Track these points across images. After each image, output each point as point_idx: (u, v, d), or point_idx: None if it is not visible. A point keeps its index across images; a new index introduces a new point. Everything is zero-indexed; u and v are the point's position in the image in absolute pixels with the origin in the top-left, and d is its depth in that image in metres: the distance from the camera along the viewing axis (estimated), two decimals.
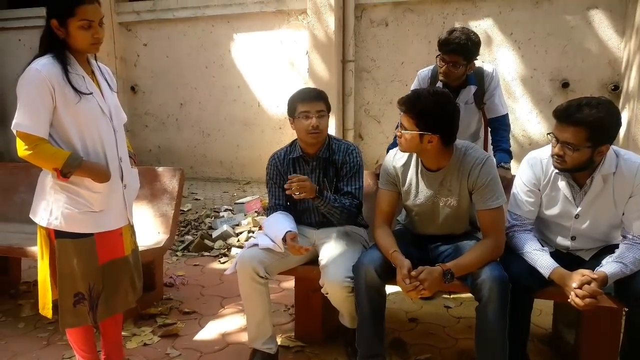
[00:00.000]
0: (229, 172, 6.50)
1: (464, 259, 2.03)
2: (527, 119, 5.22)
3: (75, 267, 2.01)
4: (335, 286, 2.19)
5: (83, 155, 1.98)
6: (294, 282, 2.72)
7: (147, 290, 2.85)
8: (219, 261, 3.91)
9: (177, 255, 4.04)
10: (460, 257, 2.04)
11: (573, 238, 2.16)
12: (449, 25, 5.22)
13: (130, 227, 2.21)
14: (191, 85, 6.46)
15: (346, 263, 2.22)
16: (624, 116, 4.65)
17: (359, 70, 5.70)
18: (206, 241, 4.18)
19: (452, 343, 2.63)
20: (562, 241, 2.19)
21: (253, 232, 4.29)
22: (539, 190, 2.16)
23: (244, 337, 2.69)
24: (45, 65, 1.90)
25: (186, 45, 6.39)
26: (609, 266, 1.95)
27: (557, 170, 2.08)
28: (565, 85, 5.07)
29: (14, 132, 1.91)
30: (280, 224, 2.37)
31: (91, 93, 2.00)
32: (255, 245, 2.37)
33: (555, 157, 2.01)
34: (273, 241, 2.33)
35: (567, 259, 2.12)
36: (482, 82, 2.80)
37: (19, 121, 1.90)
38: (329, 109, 2.44)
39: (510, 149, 2.84)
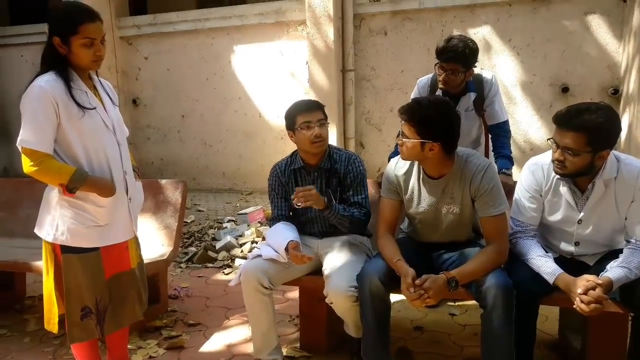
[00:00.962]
0: (232, 182, 6.51)
1: (467, 266, 2.03)
2: (528, 125, 5.23)
3: (82, 281, 2.02)
4: (339, 296, 2.19)
5: (88, 169, 1.99)
6: (298, 292, 2.72)
7: (152, 302, 2.85)
8: (223, 272, 3.91)
9: (181, 267, 4.04)
10: (464, 265, 2.04)
11: (577, 243, 2.16)
12: (447, 33, 5.24)
13: (136, 239, 2.22)
14: (192, 97, 6.50)
15: (350, 272, 2.22)
16: (625, 120, 4.66)
17: (359, 79, 5.73)
18: (210, 252, 4.18)
19: (458, 351, 2.62)
20: (566, 247, 2.19)
21: (256, 242, 4.29)
22: (541, 196, 2.16)
23: (249, 348, 2.68)
24: (48, 81, 1.92)
25: (187, 58, 6.43)
26: (613, 271, 1.95)
27: (558, 176, 2.09)
28: (565, 90, 5.08)
29: (19, 148, 1.93)
30: (283, 234, 2.37)
31: (94, 108, 2.01)
32: (259, 256, 2.37)
33: (556, 162, 2.02)
34: (276, 251, 2.33)
35: (571, 265, 2.12)
36: (481, 89, 2.81)
37: (24, 138, 1.91)
38: (326, 118, 2.45)
39: (512, 155, 2.85)
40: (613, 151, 2.03)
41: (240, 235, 4.46)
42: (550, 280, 2.02)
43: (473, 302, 2.64)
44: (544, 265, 2.05)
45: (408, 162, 2.23)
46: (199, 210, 5.48)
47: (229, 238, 4.32)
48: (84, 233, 2.01)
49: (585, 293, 1.88)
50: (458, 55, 2.61)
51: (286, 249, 2.28)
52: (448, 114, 2.06)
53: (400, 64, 5.57)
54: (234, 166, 6.46)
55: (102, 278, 2.06)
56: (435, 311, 3.05)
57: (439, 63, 2.69)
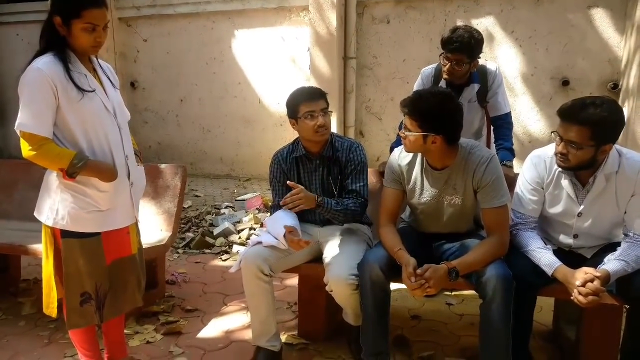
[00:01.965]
0: (229, 168, 6.49)
1: (468, 257, 2.04)
2: (528, 117, 5.23)
3: (82, 266, 2.01)
4: (339, 284, 2.20)
5: (89, 154, 1.97)
6: (296, 280, 2.72)
7: (149, 287, 2.84)
8: (221, 258, 3.92)
9: (178, 253, 4.04)
10: (465, 255, 2.05)
11: (575, 236, 2.18)
12: (450, 23, 5.22)
13: (136, 225, 2.21)
14: (191, 82, 6.44)
15: (350, 261, 2.23)
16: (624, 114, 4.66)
17: (360, 67, 5.70)
18: (207, 238, 4.18)
19: (455, 340, 2.64)
20: (565, 239, 2.21)
21: (254, 229, 4.29)
22: (543, 188, 2.17)
23: (247, 335, 2.70)
24: (46, 63, 1.89)
25: (186, 41, 6.36)
26: (611, 264, 1.96)
27: (560, 169, 2.09)
28: (565, 83, 5.07)
29: (18, 132, 1.90)
30: (283, 221, 2.36)
31: (94, 90, 1.98)
32: (259, 243, 2.37)
33: (559, 155, 2.02)
34: (276, 239, 2.33)
35: (569, 257, 2.14)
36: (485, 80, 2.80)
37: (22, 121, 1.88)
38: (329, 106, 2.44)
39: (513, 147, 2.85)
40: (615, 145, 2.03)
41: (238, 222, 4.45)
42: (549, 272, 2.03)
43: (470, 292, 2.67)
44: (544, 257, 2.06)
45: (411, 153, 2.22)
46: (196, 196, 5.47)
47: (226, 224, 4.32)
48: (85, 218, 2.00)
49: (583, 285, 1.90)
50: (463, 46, 2.59)
51: (286, 236, 2.28)
52: (450, 106, 2.05)
53: (402, 53, 5.53)
54: (232, 152, 6.44)
55: (103, 263, 2.06)
56: (432, 300, 3.07)
57: (444, 53, 2.68)
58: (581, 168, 2.02)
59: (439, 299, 3.09)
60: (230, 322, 2.88)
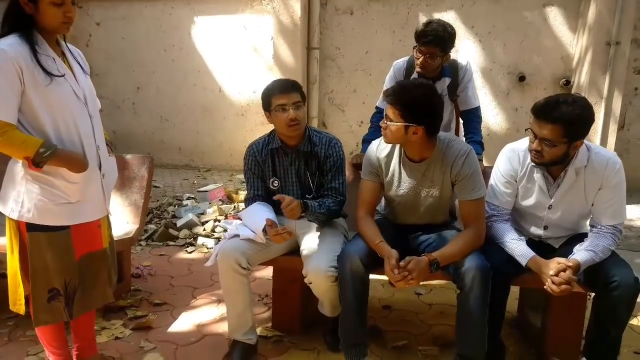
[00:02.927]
0: (188, 159, 6.34)
1: (448, 248, 2.08)
2: (486, 111, 5.38)
3: (50, 261, 1.91)
4: (319, 276, 2.20)
5: (57, 142, 1.86)
6: (267, 272, 2.69)
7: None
8: (186, 251, 3.82)
9: (141, 245, 3.91)
10: (444, 247, 2.09)
11: (545, 227, 2.27)
12: (413, 16, 5.29)
13: (108, 218, 2.12)
14: (149, 69, 6.23)
15: (329, 253, 2.23)
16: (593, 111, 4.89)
17: (324, 58, 5.68)
18: (171, 230, 4.07)
19: (427, 329, 2.71)
20: (535, 230, 2.30)
21: (219, 220, 4.21)
22: (516, 181, 2.24)
23: (220, 328, 2.66)
24: (11, 45, 1.77)
25: (143, 27, 6.13)
26: (581, 254, 2.06)
27: (533, 164, 2.17)
28: (521, 78, 5.26)
29: None
30: (260, 214, 2.33)
31: (63, 75, 1.88)
32: (236, 236, 2.33)
33: (534, 152, 2.09)
34: (254, 232, 2.30)
35: (538, 247, 2.23)
36: (456, 75, 2.86)
37: None
38: (304, 99, 2.40)
39: (482, 140, 2.93)
40: (585, 141, 2.13)
41: (202, 213, 4.36)
42: (523, 262, 2.11)
43: (438, 281, 2.72)
44: (518, 248, 2.14)
45: (390, 145, 2.24)
46: (155, 186, 5.31)
47: (190, 216, 4.22)
48: (53, 210, 1.89)
49: (556, 275, 1.99)
50: (437, 39, 2.63)
51: (264, 230, 2.25)
52: (432, 97, 2.08)
53: (365, 45, 5.56)
54: (191, 142, 6.29)
55: (72, 258, 1.96)
56: (401, 290, 3.12)
57: (417, 46, 2.70)
58: (555, 164, 2.10)
59: (407, 289, 3.14)
60: (201, 316, 2.82)
